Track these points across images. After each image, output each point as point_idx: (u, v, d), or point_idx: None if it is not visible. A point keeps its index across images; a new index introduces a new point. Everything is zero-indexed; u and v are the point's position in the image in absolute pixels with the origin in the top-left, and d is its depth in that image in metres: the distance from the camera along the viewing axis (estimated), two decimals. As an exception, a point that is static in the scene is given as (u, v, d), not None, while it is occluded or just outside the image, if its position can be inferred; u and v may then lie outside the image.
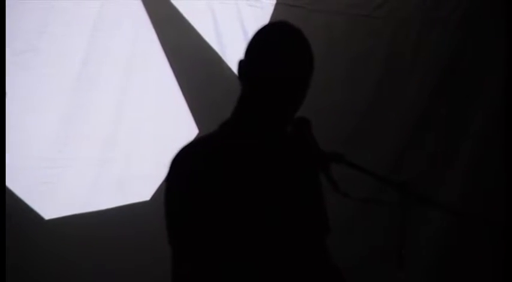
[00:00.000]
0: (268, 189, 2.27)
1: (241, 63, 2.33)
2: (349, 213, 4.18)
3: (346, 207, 4.07)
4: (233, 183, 2.22)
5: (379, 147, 4.28)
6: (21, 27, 3.91)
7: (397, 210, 2.30)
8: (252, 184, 2.24)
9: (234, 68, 4.18)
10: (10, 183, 3.85)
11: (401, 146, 4.34)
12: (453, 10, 4.37)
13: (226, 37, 4.19)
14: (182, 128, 4.02)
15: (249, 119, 2.31)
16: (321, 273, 2.44)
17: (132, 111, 4.00)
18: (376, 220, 4.15)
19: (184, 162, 2.25)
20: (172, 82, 4.09)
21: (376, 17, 4.34)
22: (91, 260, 3.86)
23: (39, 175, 3.90)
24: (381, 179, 2.34)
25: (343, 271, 4.25)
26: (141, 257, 3.87)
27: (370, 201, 3.91)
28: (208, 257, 2.20)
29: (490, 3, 4.36)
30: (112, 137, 3.93)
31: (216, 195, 2.19)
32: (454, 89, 4.38)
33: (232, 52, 4.19)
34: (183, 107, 4.11)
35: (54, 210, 3.91)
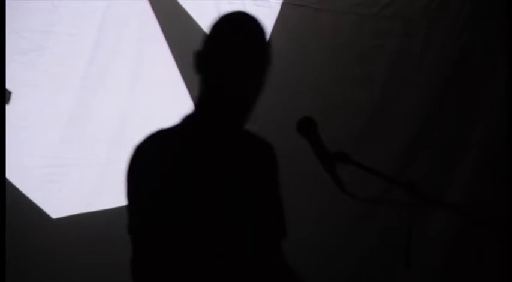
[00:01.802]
0: (218, 187, 2.23)
1: (198, 55, 2.28)
2: (355, 213, 4.18)
3: (352, 207, 4.06)
4: (182, 178, 2.19)
5: (386, 147, 4.27)
6: (27, 26, 3.91)
7: (403, 210, 2.29)
8: (200, 180, 2.21)
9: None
10: (17, 182, 3.86)
11: (408, 146, 4.33)
12: (459, 9, 4.36)
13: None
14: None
15: (206, 112, 2.28)
16: (271, 277, 2.40)
17: (139, 111, 4.00)
18: (383, 220, 4.14)
19: (138, 152, 2.25)
20: (179, 82, 4.09)
21: (383, 16, 4.33)
22: (97, 259, 3.86)
23: (45, 174, 3.91)
24: (388, 179, 2.34)
25: (348, 269, 4.27)
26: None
27: (377, 202, 3.91)
28: (156, 249, 2.19)
29: (495, 3, 4.35)
30: (118, 136, 3.94)
31: (163, 189, 2.18)
32: (461, 89, 4.37)
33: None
34: (189, 106, 4.11)
35: (60, 209, 3.91)
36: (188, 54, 4.08)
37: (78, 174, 3.90)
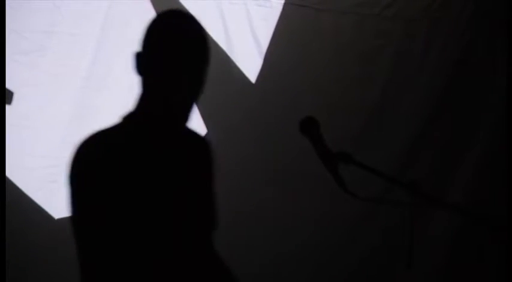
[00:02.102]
0: (152, 185, 2.23)
1: (137, 56, 2.28)
2: (357, 213, 4.18)
3: (354, 207, 4.07)
4: (121, 178, 2.20)
5: (387, 148, 4.27)
6: (29, 26, 3.92)
7: (405, 210, 2.29)
8: (137, 179, 2.22)
9: (243, 68, 4.21)
10: (18, 182, 3.86)
11: (409, 146, 4.33)
12: (461, 10, 4.36)
13: (234, 37, 4.19)
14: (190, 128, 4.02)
15: (145, 111, 2.28)
16: (203, 268, 2.41)
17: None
18: (384, 220, 4.14)
19: (76, 153, 2.28)
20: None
21: (385, 16, 4.33)
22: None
23: (47, 174, 3.91)
24: (389, 179, 2.34)
25: (349, 269, 4.28)
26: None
27: (379, 202, 3.91)
28: (88, 248, 2.23)
29: (497, 3, 4.35)
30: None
31: (93, 187, 2.20)
32: (463, 89, 4.37)
33: (240, 51, 4.19)
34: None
35: (62, 209, 3.91)
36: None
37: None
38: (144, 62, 2.26)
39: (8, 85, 3.87)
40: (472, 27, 4.38)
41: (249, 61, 4.21)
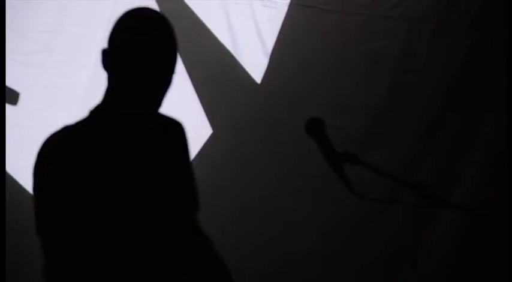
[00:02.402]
0: (127, 174, 2.24)
1: (104, 53, 2.28)
2: (363, 213, 4.18)
3: (359, 207, 4.07)
4: (92, 169, 2.19)
5: (393, 148, 4.27)
6: (34, 27, 3.92)
7: (411, 211, 2.29)
8: (109, 169, 2.22)
9: (248, 69, 4.21)
10: (24, 182, 3.87)
11: (415, 146, 4.32)
12: (467, 10, 4.36)
13: (240, 37, 4.19)
14: (195, 127, 4.03)
15: (111, 106, 2.29)
16: (189, 248, 2.44)
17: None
18: (390, 220, 4.14)
19: (42, 149, 2.27)
20: (185, 81, 4.10)
21: (390, 17, 4.33)
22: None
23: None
24: (395, 180, 2.34)
25: (354, 269, 4.27)
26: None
27: (384, 202, 3.91)
28: (66, 247, 2.21)
29: (503, 4, 4.35)
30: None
31: (67, 182, 2.18)
32: (468, 89, 4.37)
33: (245, 52, 4.19)
34: (196, 106, 4.12)
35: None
36: (194, 54, 4.13)
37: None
38: (111, 59, 2.25)
39: (14, 85, 3.88)
40: (477, 28, 4.38)
41: (254, 61, 4.21)
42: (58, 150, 2.24)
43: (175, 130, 2.44)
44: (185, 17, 4.11)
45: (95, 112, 2.32)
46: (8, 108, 3.84)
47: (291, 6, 4.22)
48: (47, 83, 3.94)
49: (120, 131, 2.28)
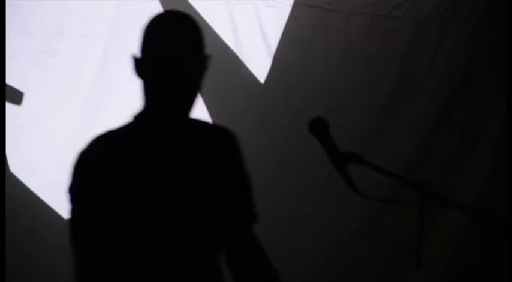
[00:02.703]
0: (172, 184, 2.24)
1: (136, 61, 2.29)
2: (367, 213, 4.18)
3: (363, 207, 4.06)
4: (136, 177, 2.20)
5: (397, 148, 4.27)
6: (38, 27, 3.93)
7: (414, 211, 2.29)
8: (155, 178, 2.22)
9: (252, 69, 4.21)
10: (28, 182, 3.87)
11: (419, 146, 4.32)
12: (471, 10, 4.35)
13: (243, 37, 4.19)
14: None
15: (149, 114, 2.29)
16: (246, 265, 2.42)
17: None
18: (393, 220, 4.14)
19: (79, 159, 2.31)
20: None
21: (395, 16, 4.33)
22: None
23: (57, 174, 3.92)
24: (399, 180, 2.34)
25: (357, 270, 4.27)
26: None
27: (388, 202, 3.91)
28: (105, 257, 2.21)
29: (507, 3, 4.34)
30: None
31: (106, 187, 2.20)
32: (473, 90, 4.37)
33: (249, 52, 4.19)
34: (200, 107, 4.12)
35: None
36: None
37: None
38: (143, 65, 2.27)
39: (18, 85, 3.88)
40: (481, 28, 4.37)
41: (258, 62, 4.21)
42: (97, 154, 2.27)
43: (223, 140, 2.41)
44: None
45: (138, 117, 2.33)
46: (12, 108, 3.84)
47: (295, 6, 4.22)
48: (51, 83, 3.94)
49: (161, 135, 2.29)
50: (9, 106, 3.83)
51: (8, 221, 3.58)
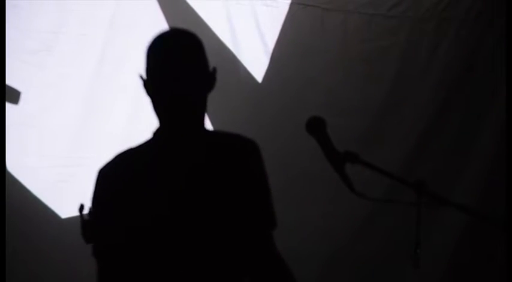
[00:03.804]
0: (192, 195, 2.29)
1: (143, 81, 2.35)
2: (364, 213, 4.18)
3: (360, 207, 4.06)
4: (156, 192, 2.26)
5: (394, 147, 4.27)
6: (36, 27, 3.92)
7: (412, 210, 2.29)
8: (174, 190, 2.28)
9: (249, 68, 4.21)
10: (26, 182, 3.87)
11: (416, 145, 4.33)
12: (469, 9, 4.36)
13: (241, 37, 4.19)
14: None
15: (167, 130, 2.35)
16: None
17: (148, 110, 3.99)
18: (391, 220, 4.14)
19: (103, 171, 2.37)
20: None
21: (392, 16, 4.33)
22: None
23: (54, 174, 3.92)
24: (396, 179, 2.34)
25: (355, 269, 4.27)
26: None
27: (386, 201, 3.91)
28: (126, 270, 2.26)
29: (505, 3, 4.34)
30: (128, 136, 3.94)
31: (129, 202, 2.25)
32: (470, 88, 4.37)
33: (247, 52, 4.19)
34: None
35: (70, 208, 3.91)
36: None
37: (87, 173, 3.90)
38: (150, 86, 2.33)
39: (15, 85, 3.88)
40: (479, 27, 4.38)
41: (256, 61, 4.21)
42: (120, 169, 2.34)
43: (242, 148, 2.45)
44: (187, 16, 4.11)
45: (156, 133, 2.39)
46: (9, 107, 3.84)
47: (293, 6, 4.22)
48: (48, 82, 3.94)
49: (181, 149, 2.34)
50: (6, 105, 3.83)
51: (5, 220, 3.58)
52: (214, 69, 2.38)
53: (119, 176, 2.32)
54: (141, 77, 2.34)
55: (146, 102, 3.96)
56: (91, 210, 2.28)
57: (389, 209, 4.10)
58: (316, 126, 2.36)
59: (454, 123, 4.35)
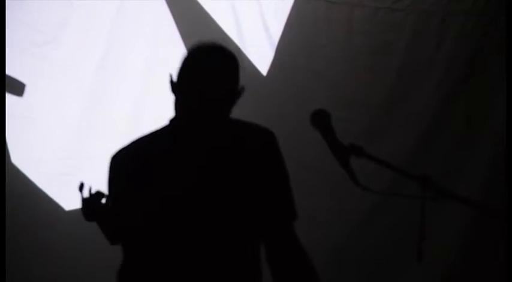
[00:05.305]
0: (208, 183, 2.33)
1: (171, 82, 2.41)
2: (368, 206, 4.18)
3: (364, 199, 4.06)
4: (172, 178, 2.31)
5: (399, 140, 4.27)
6: (42, 20, 3.93)
7: (416, 204, 2.29)
8: (191, 178, 2.32)
9: (255, 62, 4.20)
10: (30, 174, 3.87)
11: (421, 139, 4.32)
12: (473, 4, 4.35)
13: (247, 31, 4.19)
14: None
15: (185, 118, 2.39)
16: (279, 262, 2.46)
17: (152, 104, 4.00)
18: (395, 213, 4.14)
19: (118, 155, 2.43)
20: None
21: (397, 9, 4.32)
22: (110, 250, 3.87)
23: (58, 167, 3.92)
24: (401, 172, 2.33)
25: (358, 263, 4.27)
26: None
27: (390, 195, 3.90)
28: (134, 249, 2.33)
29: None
30: (131, 129, 3.95)
31: (144, 185, 2.30)
32: (475, 83, 4.36)
33: (253, 46, 4.19)
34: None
35: (74, 201, 3.91)
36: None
37: (92, 166, 3.91)
38: (178, 89, 2.39)
39: (20, 77, 3.88)
40: (484, 22, 4.37)
41: (261, 54, 4.21)
42: (137, 154, 2.39)
43: (262, 138, 2.51)
44: (192, 9, 4.11)
45: (173, 120, 2.43)
46: (14, 99, 3.84)
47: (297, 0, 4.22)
48: (53, 75, 3.94)
49: (200, 136, 2.38)
50: (10, 97, 3.83)
51: (8, 212, 3.58)
52: (243, 88, 2.46)
53: (137, 160, 2.36)
54: (171, 79, 2.39)
55: (151, 95, 4.01)
56: (107, 196, 2.30)
57: (392, 203, 4.10)
58: (320, 119, 2.36)
59: (459, 116, 4.34)
